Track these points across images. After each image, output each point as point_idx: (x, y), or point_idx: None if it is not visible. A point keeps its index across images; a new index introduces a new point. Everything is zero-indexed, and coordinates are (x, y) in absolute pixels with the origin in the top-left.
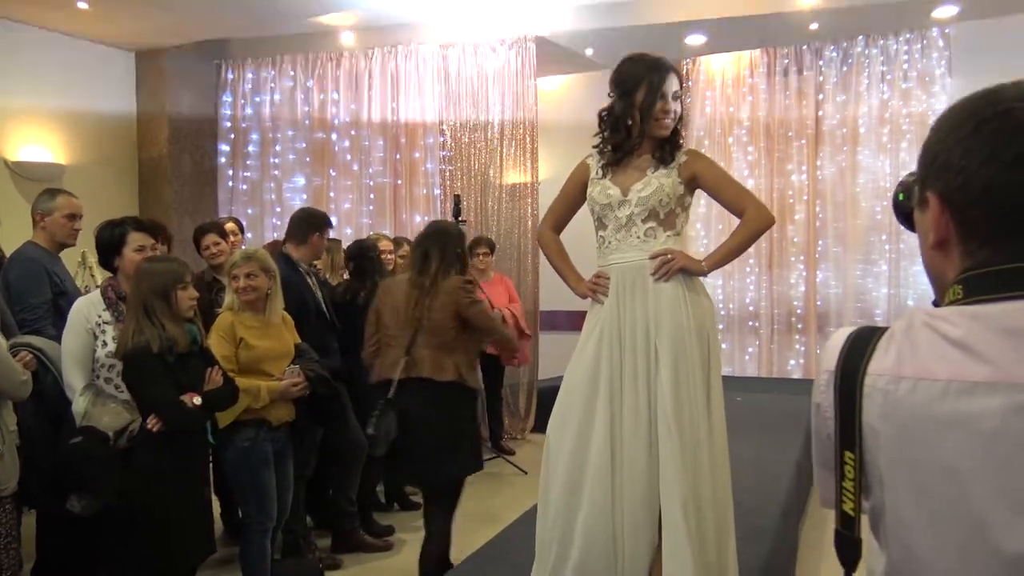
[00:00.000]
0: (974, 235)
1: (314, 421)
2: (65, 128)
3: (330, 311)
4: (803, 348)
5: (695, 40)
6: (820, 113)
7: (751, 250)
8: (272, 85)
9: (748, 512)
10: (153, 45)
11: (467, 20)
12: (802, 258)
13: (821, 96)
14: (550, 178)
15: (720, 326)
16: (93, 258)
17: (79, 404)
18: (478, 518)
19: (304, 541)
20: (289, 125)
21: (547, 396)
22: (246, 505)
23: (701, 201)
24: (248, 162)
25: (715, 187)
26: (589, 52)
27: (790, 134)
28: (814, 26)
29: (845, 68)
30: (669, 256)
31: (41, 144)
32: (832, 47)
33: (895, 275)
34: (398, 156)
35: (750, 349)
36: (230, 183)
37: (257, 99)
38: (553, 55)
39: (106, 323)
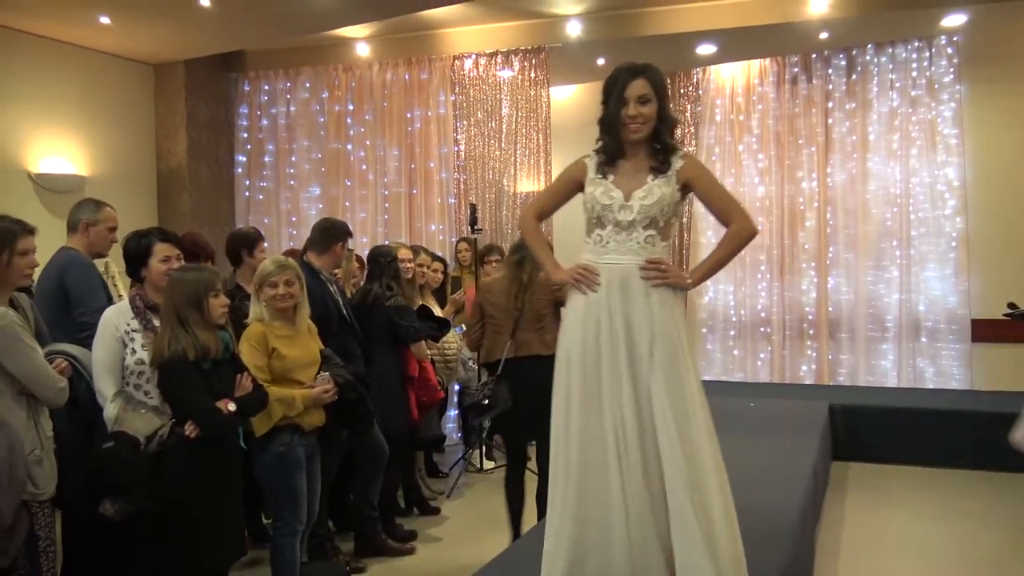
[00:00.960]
0: None
1: (342, 426)
2: (86, 140)
3: (351, 317)
4: (815, 354)
5: (706, 50)
6: (830, 121)
7: (762, 256)
8: (288, 96)
9: (764, 516)
10: (171, 58)
11: (480, 30)
12: (813, 264)
13: (831, 104)
14: None
15: (732, 332)
16: (116, 268)
17: (110, 410)
18: (499, 521)
19: (330, 545)
20: (305, 136)
21: None
22: (279, 509)
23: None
24: (264, 172)
25: (707, 195)
26: (601, 62)
27: (800, 141)
28: (823, 35)
29: (854, 76)
30: (663, 267)
31: (63, 156)
32: (841, 55)
33: (906, 281)
34: (413, 166)
35: (762, 355)
36: (247, 193)
37: (273, 110)
38: (565, 65)
39: (135, 331)
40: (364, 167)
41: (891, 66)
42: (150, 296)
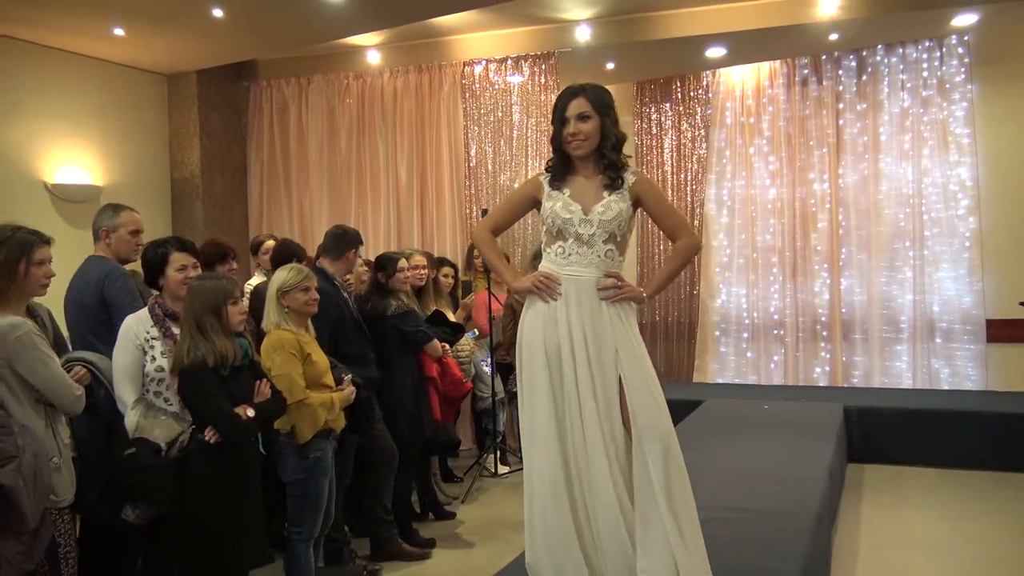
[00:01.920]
0: None
1: (352, 427)
2: (101, 150)
3: (362, 323)
4: (828, 356)
5: (715, 53)
6: (841, 122)
7: (774, 259)
8: (299, 105)
9: (779, 518)
10: (184, 69)
11: (490, 36)
12: (826, 266)
13: (841, 105)
14: None
15: (745, 335)
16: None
17: (131, 417)
18: (514, 525)
19: (346, 548)
20: (316, 143)
21: None
22: (301, 515)
23: (723, 211)
24: (277, 180)
25: (656, 212)
26: (611, 66)
27: (811, 143)
28: (833, 36)
29: (865, 77)
30: (620, 283)
31: (78, 166)
32: (851, 56)
33: (920, 282)
34: (424, 172)
35: (775, 357)
36: (260, 201)
37: (285, 118)
38: (575, 69)
39: (154, 339)
40: (375, 174)
41: (902, 66)
42: (169, 304)
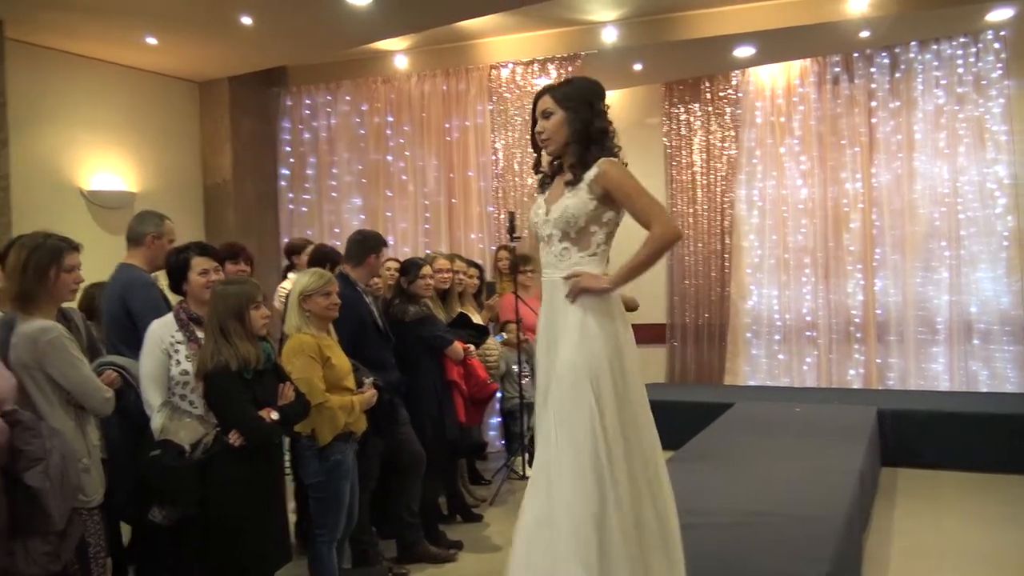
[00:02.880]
0: None
1: (375, 429)
2: (135, 157)
3: (386, 327)
4: (863, 358)
5: (744, 52)
6: (874, 120)
7: (806, 260)
8: (329, 110)
9: (809, 522)
10: (216, 76)
11: (516, 39)
12: (859, 267)
13: (874, 103)
14: None
15: (776, 337)
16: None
17: (157, 420)
18: None
19: (373, 551)
20: (346, 148)
21: None
22: (323, 516)
23: (754, 212)
24: (307, 185)
25: (624, 200)
26: (638, 67)
27: (843, 142)
28: (864, 34)
29: (898, 74)
30: (575, 278)
31: (113, 172)
32: (884, 53)
33: (956, 282)
34: (452, 175)
35: (808, 359)
36: (290, 206)
37: (315, 124)
38: (601, 71)
39: (179, 343)
40: (404, 177)
41: (936, 63)
42: (193, 309)
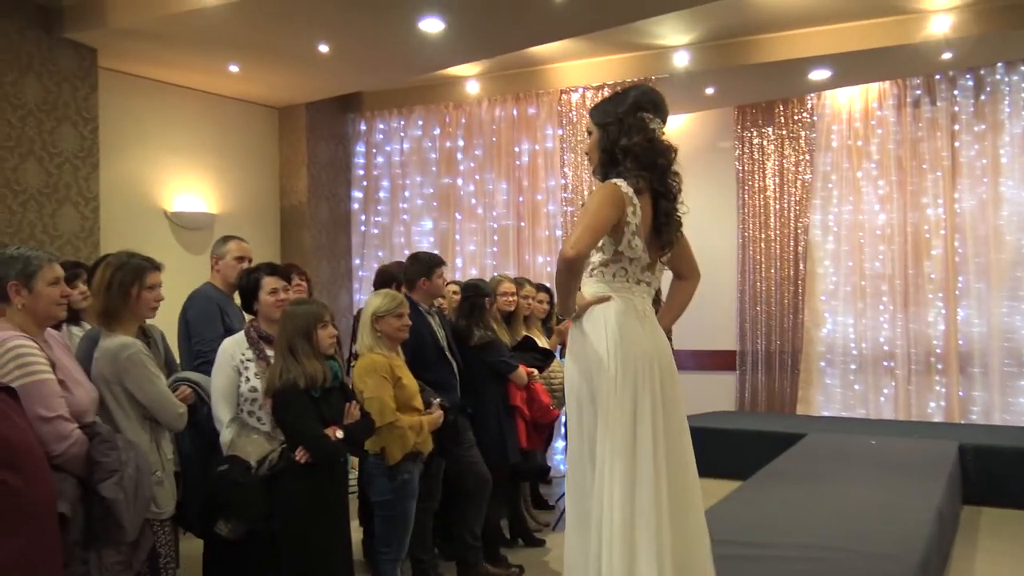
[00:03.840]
0: None
1: (440, 451)
2: (216, 180)
3: (452, 349)
4: (944, 390)
5: (819, 75)
6: (957, 144)
7: (884, 287)
8: (402, 134)
9: (881, 560)
10: (294, 102)
11: (587, 64)
12: (941, 295)
13: (957, 126)
14: None
15: (852, 366)
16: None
17: (226, 435)
18: None
19: (433, 572)
20: (417, 172)
21: None
22: (389, 535)
23: (829, 237)
24: (379, 207)
25: None
26: (710, 91)
27: (924, 166)
28: (946, 55)
29: (983, 96)
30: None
31: (195, 194)
32: (968, 75)
33: None
34: (521, 199)
35: (885, 390)
36: (363, 228)
37: (388, 148)
38: (673, 95)
39: (249, 360)
40: (474, 201)
41: None
42: (263, 327)
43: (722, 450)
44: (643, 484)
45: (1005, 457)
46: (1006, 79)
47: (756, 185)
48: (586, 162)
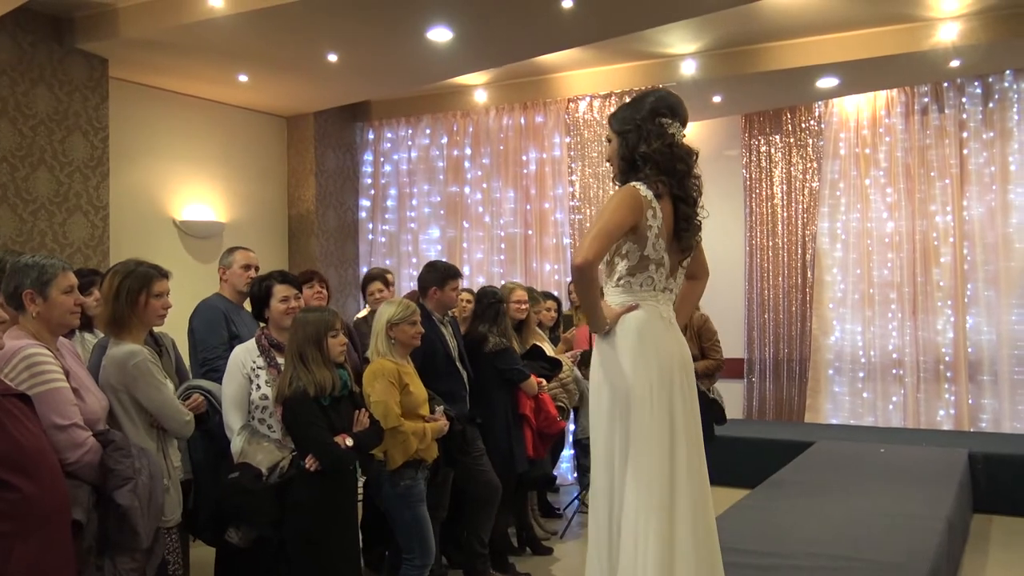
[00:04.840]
0: None
1: (448, 459)
2: (225, 188)
3: (463, 360)
4: (953, 398)
5: (827, 83)
6: (965, 151)
7: (892, 295)
8: (409, 143)
9: (890, 570)
10: (302, 111)
11: (594, 73)
12: (950, 303)
13: (966, 134)
14: None
15: (860, 374)
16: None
17: (236, 443)
18: None
19: None
20: (424, 180)
21: None
22: (409, 542)
23: (837, 245)
24: (387, 216)
25: None
26: (717, 99)
27: (932, 174)
28: (955, 63)
29: (991, 104)
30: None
31: (204, 203)
32: (976, 83)
33: None
34: (528, 207)
35: (894, 398)
36: (370, 236)
37: (395, 156)
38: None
39: (259, 368)
40: (481, 209)
41: None
42: (274, 335)
43: (730, 458)
44: (681, 511)
45: (1016, 465)
46: (1014, 86)
47: (764, 193)
48: (592, 170)
